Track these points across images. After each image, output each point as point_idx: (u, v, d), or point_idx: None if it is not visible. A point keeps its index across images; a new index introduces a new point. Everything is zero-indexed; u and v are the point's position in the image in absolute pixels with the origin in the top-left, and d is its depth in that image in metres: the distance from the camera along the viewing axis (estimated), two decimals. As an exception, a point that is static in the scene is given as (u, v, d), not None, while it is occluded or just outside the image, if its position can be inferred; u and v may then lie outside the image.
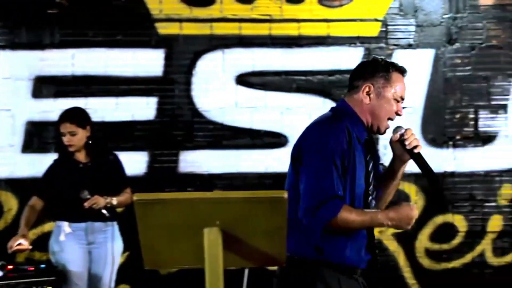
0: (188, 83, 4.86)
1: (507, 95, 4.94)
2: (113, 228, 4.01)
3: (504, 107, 4.93)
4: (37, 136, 4.80)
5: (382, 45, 4.88)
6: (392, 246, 4.89)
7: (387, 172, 2.81)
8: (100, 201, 3.85)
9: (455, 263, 4.93)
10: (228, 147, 4.84)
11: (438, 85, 4.90)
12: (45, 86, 4.80)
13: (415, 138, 2.66)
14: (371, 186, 2.72)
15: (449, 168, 4.90)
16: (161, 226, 2.18)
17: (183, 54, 4.85)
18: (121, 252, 4.08)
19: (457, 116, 4.92)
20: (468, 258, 4.92)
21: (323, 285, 2.63)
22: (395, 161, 2.76)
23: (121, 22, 4.81)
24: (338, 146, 2.60)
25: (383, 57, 2.94)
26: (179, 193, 2.23)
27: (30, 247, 3.90)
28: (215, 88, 4.85)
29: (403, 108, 4.81)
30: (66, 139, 3.92)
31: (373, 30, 4.87)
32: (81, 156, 3.98)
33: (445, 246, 4.92)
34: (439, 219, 4.92)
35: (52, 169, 4.02)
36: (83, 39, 4.80)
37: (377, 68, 2.71)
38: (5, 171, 4.77)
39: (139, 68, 4.83)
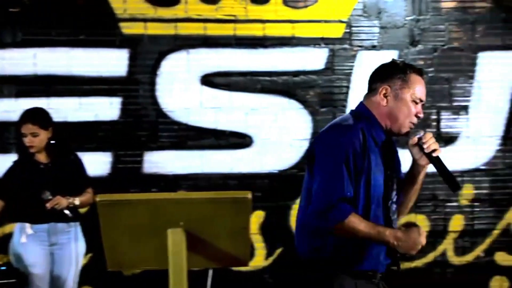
0: (152, 83, 4.83)
1: (468, 97, 5.00)
2: (76, 229, 3.97)
3: (465, 108, 4.99)
4: (-2, 136, 4.73)
5: (346, 46, 4.91)
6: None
7: (407, 176, 2.75)
8: (62, 201, 3.81)
9: (418, 263, 4.97)
10: (193, 147, 4.82)
11: (401, 86, 4.94)
12: (7, 85, 4.72)
13: (434, 141, 2.61)
14: (392, 190, 2.68)
15: (412, 169, 4.94)
16: (125, 227, 2.17)
17: (148, 54, 4.81)
18: (84, 253, 4.04)
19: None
20: (430, 257, 4.98)
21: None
22: (414, 165, 2.71)
23: (85, 22, 4.75)
24: (351, 149, 2.56)
25: (402, 60, 2.93)
26: (143, 194, 2.22)
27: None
28: (180, 88, 4.83)
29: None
30: (27, 140, 3.86)
31: (338, 31, 4.89)
32: (41, 157, 3.93)
33: (408, 246, 4.96)
34: (403, 219, 4.95)
35: (12, 170, 3.96)
36: (46, 38, 4.73)
37: (395, 70, 2.68)
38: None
39: (103, 68, 4.78)
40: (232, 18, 4.82)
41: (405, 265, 4.95)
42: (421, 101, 2.66)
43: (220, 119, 4.84)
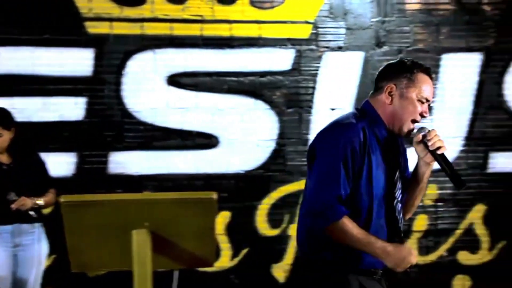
0: (118, 83, 4.79)
1: (432, 98, 5.04)
2: (39, 230, 3.93)
3: (429, 109, 5.04)
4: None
5: (313, 47, 4.93)
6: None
7: (413, 175, 2.73)
8: (27, 202, 3.77)
9: (383, 262, 5.01)
10: (159, 148, 4.80)
11: (366, 87, 4.97)
12: (-31, 85, 4.65)
13: (439, 139, 2.59)
14: (397, 189, 2.66)
15: (378, 169, 4.98)
16: (89, 228, 2.15)
17: (113, 54, 4.77)
18: (47, 254, 3.99)
19: (385, 118, 5.00)
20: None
21: (342, 285, 2.59)
22: (419, 163, 2.69)
23: (49, 21, 4.70)
24: (349, 148, 2.54)
25: (409, 58, 2.85)
26: (107, 195, 2.21)
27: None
28: (146, 88, 4.80)
29: (333, 109, 4.96)
30: (-11, 141, 3.81)
31: (304, 32, 4.91)
32: (3, 158, 3.88)
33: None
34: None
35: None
36: (9, 37, 4.66)
37: (401, 69, 2.65)
38: None
39: (67, 67, 4.73)
40: (199, 18, 4.80)
41: (371, 264, 4.99)
42: (427, 100, 2.63)
43: (186, 119, 4.82)
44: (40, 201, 3.84)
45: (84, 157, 4.76)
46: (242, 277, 4.86)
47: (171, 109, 4.81)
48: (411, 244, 5.04)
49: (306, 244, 2.72)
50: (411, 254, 2.53)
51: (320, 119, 4.92)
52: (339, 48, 4.97)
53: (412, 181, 2.73)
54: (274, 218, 4.89)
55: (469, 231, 5.11)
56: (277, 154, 4.90)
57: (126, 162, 4.79)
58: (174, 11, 4.78)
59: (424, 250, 5.07)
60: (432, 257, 5.07)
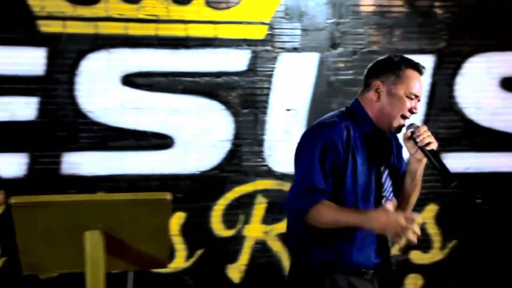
0: (71, 83, 4.72)
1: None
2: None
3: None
4: None
5: (269, 48, 4.94)
6: (276, 246, 4.96)
7: (406, 172, 2.72)
8: (-24, 204, 3.70)
9: (338, 262, 5.05)
10: (113, 148, 4.75)
11: (322, 88, 5.02)
12: None
13: (429, 134, 2.57)
14: (385, 188, 2.66)
15: (332, 169, 5.02)
16: (40, 230, 2.12)
17: (67, 53, 4.70)
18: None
19: (340, 118, 5.04)
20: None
21: (333, 285, 2.57)
22: (411, 160, 2.67)
23: (0, 19, 4.61)
24: (329, 146, 2.54)
25: (398, 54, 2.80)
26: (59, 196, 2.18)
27: None
28: (100, 88, 4.74)
29: (288, 110, 4.99)
30: None
31: (260, 33, 4.92)
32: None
33: (328, 246, 5.03)
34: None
35: None
36: (-42, 36, 4.57)
37: (389, 65, 2.65)
38: None
39: (19, 66, 4.64)
40: (154, 18, 4.77)
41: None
42: (416, 96, 2.62)
43: (141, 119, 4.78)
44: (-10, 203, 3.77)
45: (36, 157, 4.67)
46: (197, 278, 4.84)
47: (125, 109, 4.76)
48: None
49: (293, 243, 2.73)
50: (396, 216, 2.43)
51: (275, 119, 4.94)
52: (295, 49, 4.99)
53: (406, 178, 2.72)
54: (229, 219, 4.89)
55: (421, 230, 5.16)
56: (233, 155, 4.90)
57: (80, 162, 4.73)
58: (128, 10, 4.74)
59: (377, 249, 5.12)
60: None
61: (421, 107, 5.08)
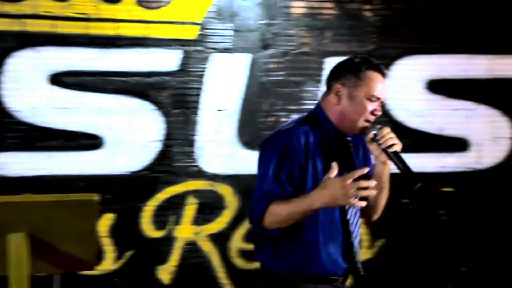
0: (-3, 82, 4.61)
1: (317, 100, 5.16)
2: None
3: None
4: None
5: (200, 48, 4.93)
6: (207, 247, 4.96)
7: (373, 175, 2.64)
8: None
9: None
10: (41, 148, 4.64)
11: (253, 89, 5.04)
12: None
13: (391, 136, 2.52)
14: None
15: (264, 170, 5.05)
16: (-38, 232, 2.06)
17: (-8, 51, 4.59)
18: None
19: (271, 119, 5.08)
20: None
21: None
22: (376, 162, 2.62)
23: None
24: (288, 152, 2.47)
25: (362, 55, 2.76)
26: (-18, 197, 2.13)
27: None
28: (27, 87, 4.63)
29: (220, 110, 4.99)
30: None
31: (191, 33, 4.91)
32: None
33: (258, 246, 5.06)
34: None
35: None
36: None
37: (349, 67, 2.59)
38: None
39: None
40: (84, 16, 4.69)
41: (255, 265, 5.05)
42: (378, 99, 2.56)
43: (70, 119, 4.69)
44: None
45: (-41, 158, 4.54)
46: (126, 280, 4.79)
47: (54, 109, 4.67)
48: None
49: (259, 254, 2.67)
50: (342, 179, 2.35)
51: (207, 120, 4.94)
52: (226, 50, 5.00)
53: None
54: (159, 220, 4.86)
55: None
56: (163, 155, 4.87)
57: (6, 163, 4.61)
58: (57, 8, 4.64)
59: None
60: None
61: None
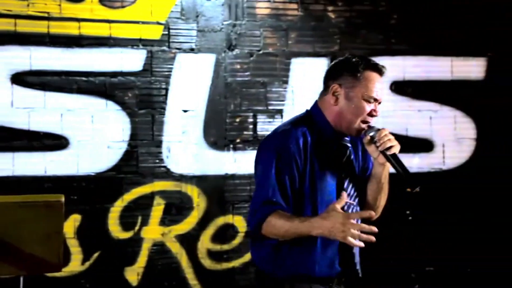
0: (-43, 81, 4.53)
1: (283, 101, 5.19)
2: None
3: (280, 112, 5.18)
4: None
5: (165, 48, 4.91)
6: (175, 248, 4.94)
7: (372, 176, 2.61)
8: None
9: (235, 263, 5.08)
10: (3, 149, 4.56)
11: (219, 90, 5.04)
12: None
13: (389, 138, 2.48)
14: (348, 192, 2.54)
15: (230, 171, 5.06)
16: None
17: (-50, 51, 4.51)
18: None
19: (237, 120, 5.08)
20: (247, 257, 5.09)
21: None
22: (374, 164, 2.57)
23: None
24: (284, 155, 2.43)
25: (358, 55, 2.68)
26: None
27: None
28: (-13, 87, 4.57)
29: (185, 111, 4.99)
30: None
31: (156, 33, 4.88)
32: None
33: (225, 247, 5.06)
34: (220, 220, 5.05)
35: None
36: None
37: (346, 67, 2.53)
38: None
39: None
40: (45, 15, 4.64)
41: (224, 265, 5.05)
42: (375, 100, 2.51)
43: (33, 119, 4.63)
44: None
45: None
46: (93, 282, 4.74)
47: (15, 109, 4.60)
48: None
49: (255, 256, 2.62)
50: (344, 217, 2.29)
51: (173, 120, 4.92)
52: (191, 50, 4.99)
53: (371, 181, 2.63)
54: (126, 221, 4.82)
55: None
56: (129, 156, 4.83)
57: (-32, 164, 4.54)
58: (18, 6, 4.57)
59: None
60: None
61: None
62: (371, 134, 2.52)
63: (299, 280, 2.52)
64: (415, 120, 5.38)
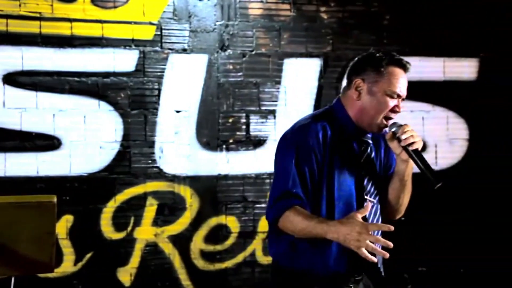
0: None
1: (276, 101, 5.19)
2: None
3: (273, 113, 5.18)
4: None
5: (157, 48, 4.91)
6: (168, 248, 4.93)
7: (394, 173, 2.57)
8: None
9: (228, 263, 5.08)
10: (-5, 149, 4.57)
11: (212, 90, 5.03)
12: None
13: (412, 134, 2.44)
14: (368, 190, 2.51)
15: (223, 171, 5.05)
16: None
17: None
18: None
19: (230, 120, 5.08)
20: (240, 258, 5.10)
21: None
22: (397, 161, 2.53)
23: None
24: (303, 148, 2.41)
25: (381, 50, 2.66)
26: None
27: None
28: (-21, 87, 4.55)
29: (178, 112, 4.98)
30: None
31: (148, 33, 4.88)
32: None
33: (218, 247, 5.06)
34: (213, 221, 5.05)
35: None
36: None
37: (370, 62, 2.50)
38: None
39: None
40: (37, 15, 4.62)
41: (216, 266, 5.05)
42: (398, 96, 2.48)
43: (25, 120, 4.61)
44: None
45: None
46: (86, 282, 4.73)
47: (7, 109, 4.58)
48: (256, 245, 5.14)
49: (271, 249, 2.61)
50: (361, 226, 2.23)
51: (165, 121, 4.91)
52: (184, 50, 4.98)
53: (393, 179, 2.59)
54: (119, 221, 4.81)
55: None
56: (122, 156, 4.82)
57: (-40, 164, 4.52)
58: (9, 6, 4.55)
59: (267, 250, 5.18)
60: (275, 256, 5.20)
61: (309, 109, 5.22)
62: (393, 129, 2.48)
63: (316, 276, 2.49)
64: (407, 120, 5.32)
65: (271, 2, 5.16)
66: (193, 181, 4.95)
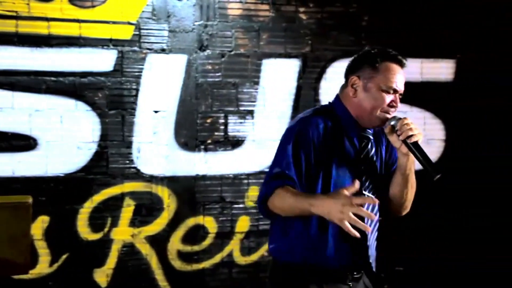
0: None
1: (254, 102, 5.19)
2: None
3: (251, 113, 5.18)
4: None
5: (136, 48, 4.89)
6: (145, 249, 4.91)
7: (396, 168, 2.58)
8: None
9: (206, 264, 5.08)
10: (-30, 150, 4.53)
11: (190, 90, 5.02)
12: None
13: (410, 127, 2.44)
14: (366, 187, 2.53)
15: (201, 171, 5.04)
16: None
17: None
18: None
19: (208, 120, 5.07)
20: (217, 258, 5.10)
21: None
22: (398, 154, 2.55)
23: None
24: (304, 137, 2.44)
25: (375, 47, 2.68)
26: None
27: None
28: (-46, 87, 4.50)
29: (156, 112, 4.96)
30: None
31: (126, 33, 4.85)
32: None
33: (196, 248, 5.05)
34: (191, 221, 5.04)
35: None
36: None
37: (365, 59, 2.54)
38: None
39: None
40: (14, 14, 4.58)
41: (194, 266, 5.04)
42: (395, 91, 2.51)
43: (1, 120, 4.57)
44: None
45: None
46: (62, 284, 4.70)
47: (-17, 109, 4.55)
48: (234, 245, 5.14)
49: (270, 245, 2.62)
50: (340, 199, 2.24)
51: (143, 121, 4.89)
52: (163, 51, 4.96)
53: (396, 173, 2.61)
54: (96, 222, 4.78)
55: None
56: (99, 157, 4.79)
57: None
58: (-15, 5, 4.53)
59: (246, 250, 5.19)
60: (254, 257, 5.21)
61: (288, 110, 5.24)
62: (392, 123, 2.51)
63: (310, 269, 2.50)
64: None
65: (250, 2, 5.16)
66: (171, 182, 4.94)
